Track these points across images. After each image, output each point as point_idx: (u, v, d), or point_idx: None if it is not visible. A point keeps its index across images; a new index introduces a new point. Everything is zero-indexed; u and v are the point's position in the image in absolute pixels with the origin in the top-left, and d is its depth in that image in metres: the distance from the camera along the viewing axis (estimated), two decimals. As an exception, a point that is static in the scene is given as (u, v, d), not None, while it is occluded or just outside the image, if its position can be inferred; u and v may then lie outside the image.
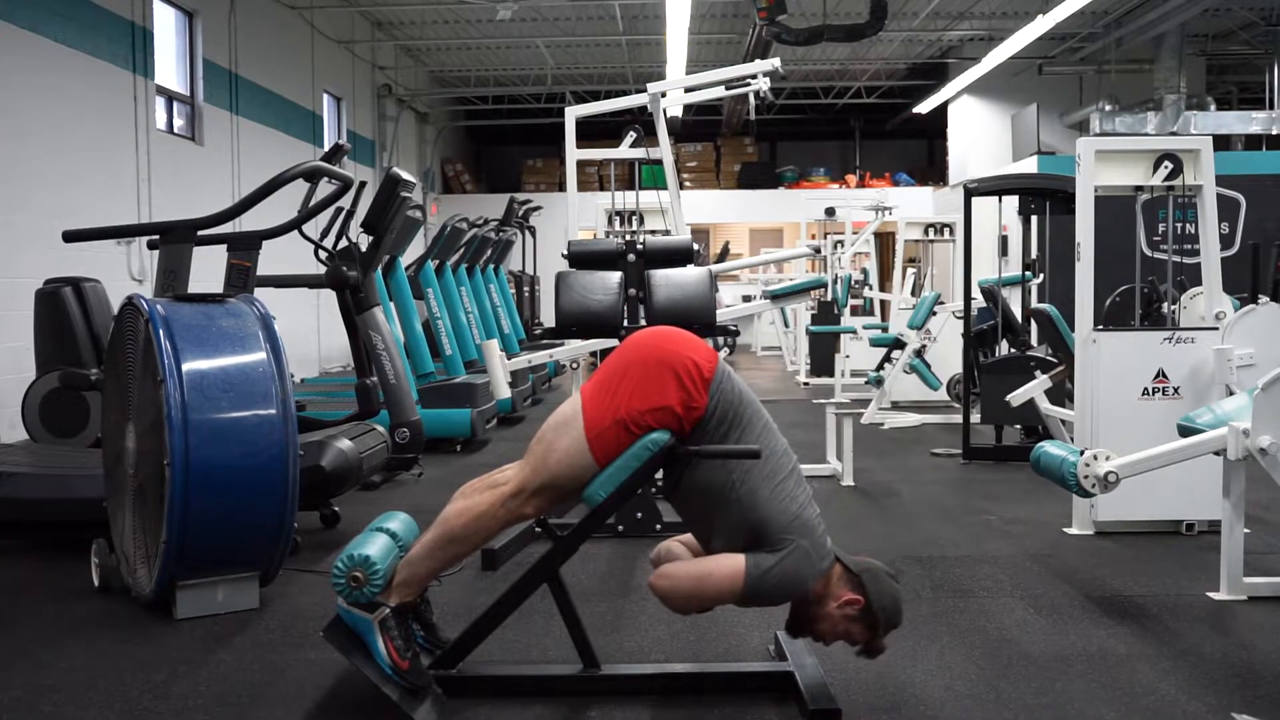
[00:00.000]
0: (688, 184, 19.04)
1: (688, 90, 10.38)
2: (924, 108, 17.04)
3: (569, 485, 2.69)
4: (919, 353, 8.54)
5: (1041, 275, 8.50)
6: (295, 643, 3.23)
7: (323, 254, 4.84)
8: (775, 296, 8.02)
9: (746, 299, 16.27)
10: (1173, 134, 12.69)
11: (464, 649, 2.78)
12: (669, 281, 4.71)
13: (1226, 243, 5.39)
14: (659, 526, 4.51)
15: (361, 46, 14.51)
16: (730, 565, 2.60)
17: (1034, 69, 15.22)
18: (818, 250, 12.25)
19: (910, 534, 4.74)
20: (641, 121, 8.14)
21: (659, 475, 2.78)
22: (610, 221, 9.40)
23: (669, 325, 3.09)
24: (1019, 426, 7.01)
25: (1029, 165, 12.52)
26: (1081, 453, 3.68)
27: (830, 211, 13.92)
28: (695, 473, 2.67)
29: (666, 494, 2.82)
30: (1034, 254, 7.36)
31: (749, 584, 2.57)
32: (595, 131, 12.99)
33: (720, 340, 14.51)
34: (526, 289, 12.95)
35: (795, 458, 2.74)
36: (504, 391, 6.01)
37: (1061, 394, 6.26)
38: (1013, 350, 7.20)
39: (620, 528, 4.48)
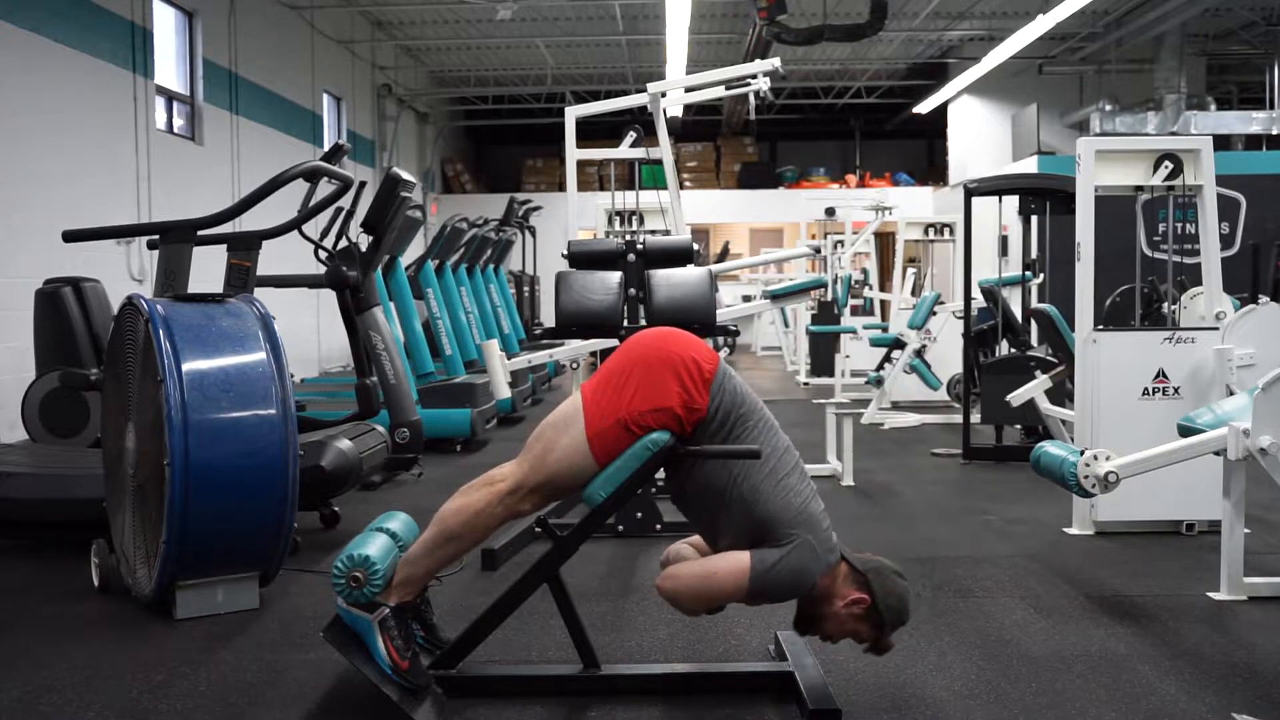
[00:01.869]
0: (688, 184, 19.03)
1: (688, 90, 10.36)
2: (924, 108, 17.03)
3: (568, 484, 2.69)
4: (919, 353, 8.55)
5: (1041, 275, 8.49)
6: (295, 643, 3.23)
7: (323, 254, 4.84)
8: (775, 296, 8.02)
9: (746, 299, 16.26)
10: (1173, 134, 12.70)
11: (464, 649, 2.78)
12: (669, 281, 4.71)
13: (1226, 243, 5.40)
14: (659, 526, 4.51)
15: (361, 46, 14.51)
16: (735, 562, 2.60)
17: (1034, 69, 15.22)
18: (818, 250, 12.25)
19: (910, 534, 4.74)
20: (641, 121, 8.14)
21: (661, 476, 2.78)
22: (610, 221, 9.40)
23: (669, 325, 3.09)
24: (1019, 426, 7.01)
25: (1029, 165, 12.51)
26: (1081, 453, 3.68)
27: (830, 211, 13.92)
28: (698, 474, 2.67)
29: (673, 497, 2.82)
30: (1034, 254, 7.36)
31: (754, 580, 2.57)
32: (595, 131, 12.99)
33: (720, 340, 14.50)
34: (526, 289, 12.94)
35: (798, 455, 2.74)
36: (504, 391, 6.01)
37: (1061, 394, 6.26)
38: (1013, 350, 7.20)
39: (620, 528, 4.48)
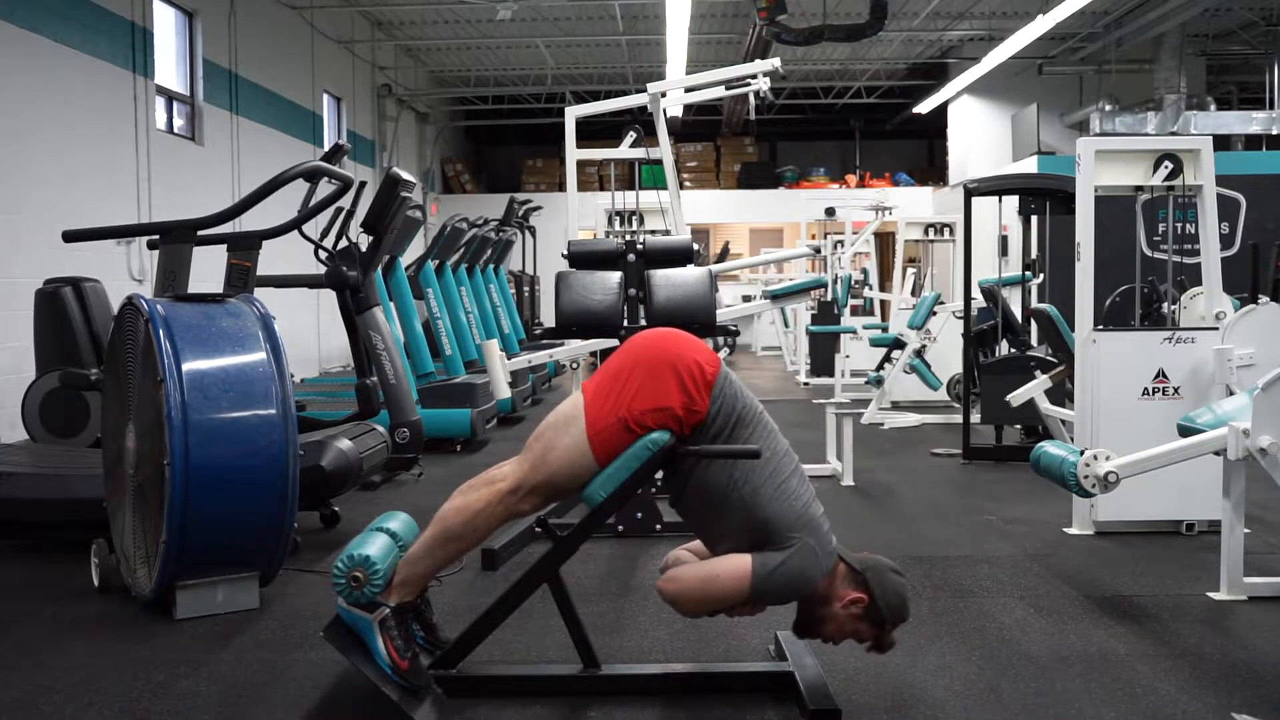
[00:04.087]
0: (688, 184, 19.04)
1: (688, 90, 10.38)
2: (924, 108, 17.03)
3: (568, 484, 2.69)
4: (919, 353, 8.55)
5: (1041, 275, 8.49)
6: (295, 643, 3.23)
7: (323, 254, 4.84)
8: (775, 296, 8.02)
9: (746, 299, 16.27)
10: (1173, 134, 12.69)
11: (464, 649, 2.78)
12: (669, 281, 4.71)
13: (1226, 243, 5.39)
14: (659, 526, 4.51)
15: (361, 46, 14.51)
16: (737, 565, 2.60)
17: (1034, 69, 15.22)
18: (818, 250, 12.26)
19: (910, 534, 4.74)
20: (641, 121, 8.14)
21: (660, 478, 2.78)
22: (610, 221, 9.40)
23: (669, 326, 3.09)
24: (1019, 426, 7.01)
25: (1029, 165, 12.51)
26: (1081, 453, 3.68)
27: (830, 211, 13.92)
28: (698, 476, 2.67)
29: (672, 501, 2.82)
30: (1034, 254, 7.36)
31: (756, 582, 2.58)
32: (595, 131, 13.00)
33: (720, 340, 14.51)
34: (526, 289, 12.95)
35: (797, 458, 2.75)
36: (504, 391, 6.01)
37: (1061, 394, 6.26)
38: (1013, 350, 7.20)
39: (620, 528, 4.48)
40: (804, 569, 2.60)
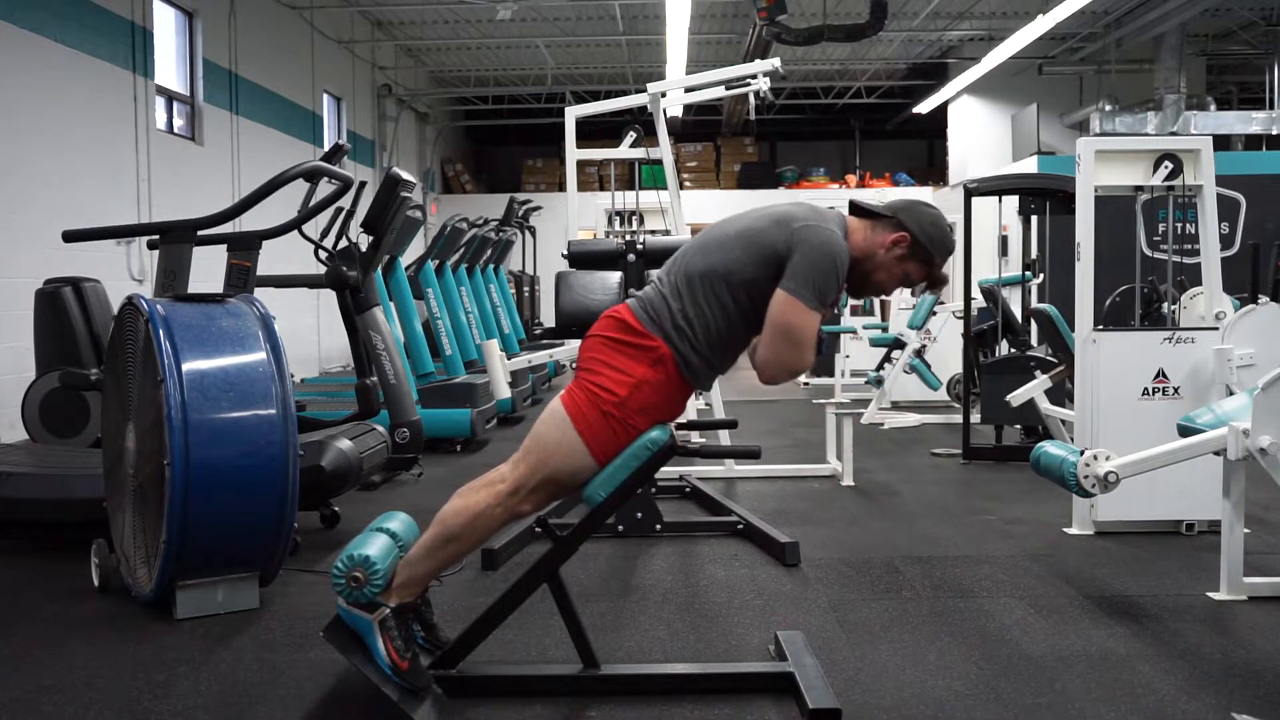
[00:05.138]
0: (688, 184, 19.03)
1: (688, 90, 10.36)
2: (924, 108, 17.03)
3: (568, 482, 2.70)
4: (919, 353, 8.55)
5: (1041, 275, 8.49)
6: (295, 643, 3.23)
7: (323, 254, 4.85)
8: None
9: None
10: (1173, 134, 12.68)
11: (464, 649, 2.78)
12: (669, 281, 4.71)
13: (1226, 243, 5.39)
14: (659, 526, 4.52)
15: (361, 46, 14.50)
16: (780, 301, 2.62)
17: (1034, 69, 15.22)
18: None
19: (910, 534, 4.74)
20: (641, 121, 8.15)
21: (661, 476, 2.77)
22: (610, 221, 9.41)
23: None
24: (1019, 426, 7.01)
25: (1029, 165, 12.51)
26: (1081, 453, 3.68)
27: (830, 212, 13.90)
28: (714, 338, 2.70)
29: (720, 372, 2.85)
30: (1034, 254, 7.36)
31: (803, 296, 2.59)
32: (595, 131, 12.99)
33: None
34: (526, 289, 12.95)
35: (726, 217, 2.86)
36: (504, 391, 6.01)
37: (1061, 394, 6.26)
38: (1013, 350, 7.20)
39: (620, 528, 4.48)
40: (818, 242, 2.61)
